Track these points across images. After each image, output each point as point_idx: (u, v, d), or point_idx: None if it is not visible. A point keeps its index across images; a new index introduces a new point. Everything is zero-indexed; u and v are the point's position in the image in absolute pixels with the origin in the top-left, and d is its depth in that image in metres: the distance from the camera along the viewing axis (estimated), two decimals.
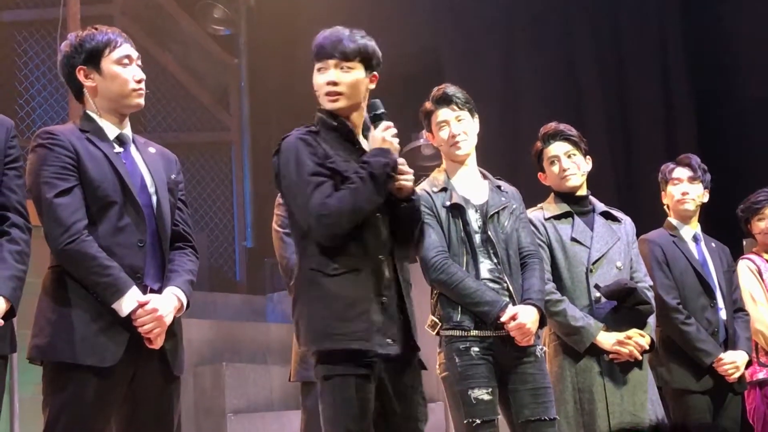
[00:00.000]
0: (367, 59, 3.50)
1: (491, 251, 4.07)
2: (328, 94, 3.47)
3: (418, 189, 4.06)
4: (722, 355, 4.73)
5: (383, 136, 3.44)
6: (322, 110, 3.51)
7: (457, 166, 4.21)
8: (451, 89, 4.20)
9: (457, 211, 4.09)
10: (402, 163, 3.44)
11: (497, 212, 4.12)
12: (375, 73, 3.53)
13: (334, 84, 3.46)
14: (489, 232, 4.07)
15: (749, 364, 4.84)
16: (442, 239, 4.06)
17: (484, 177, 4.24)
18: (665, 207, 5.01)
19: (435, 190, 4.13)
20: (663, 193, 5.00)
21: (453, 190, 4.13)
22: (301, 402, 4.44)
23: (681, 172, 4.93)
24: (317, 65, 3.50)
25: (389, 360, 3.36)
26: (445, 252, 4.04)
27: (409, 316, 3.43)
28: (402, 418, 3.42)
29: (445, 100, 4.18)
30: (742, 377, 4.81)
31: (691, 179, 4.92)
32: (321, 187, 3.33)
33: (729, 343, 4.81)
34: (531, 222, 4.35)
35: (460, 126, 4.16)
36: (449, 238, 4.07)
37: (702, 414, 4.68)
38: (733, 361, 4.73)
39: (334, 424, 3.30)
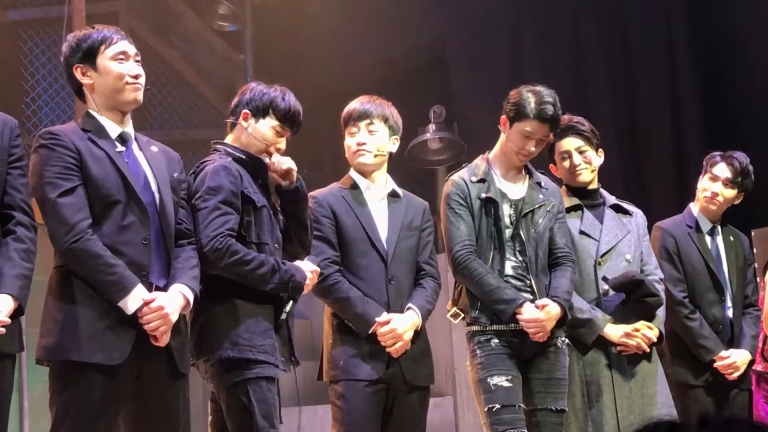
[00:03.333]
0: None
1: (518, 249, 4.06)
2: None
3: (455, 177, 4.09)
4: (723, 354, 4.66)
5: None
6: None
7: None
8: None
9: (491, 205, 4.08)
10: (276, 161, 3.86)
11: (532, 210, 4.11)
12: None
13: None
14: (520, 230, 4.06)
15: (752, 362, 4.70)
16: (471, 232, 4.06)
17: (527, 171, 4.22)
18: (697, 190, 4.86)
19: (474, 179, 4.11)
20: (701, 176, 4.84)
21: (492, 182, 4.11)
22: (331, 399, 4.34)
23: (722, 170, 4.76)
24: None
25: None
26: (470, 246, 4.04)
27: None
28: None
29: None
30: (746, 374, 4.70)
31: (727, 182, 4.75)
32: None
33: (734, 342, 4.73)
34: None
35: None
36: (479, 231, 4.07)
37: (704, 408, 4.62)
38: (732, 362, 4.66)
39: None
